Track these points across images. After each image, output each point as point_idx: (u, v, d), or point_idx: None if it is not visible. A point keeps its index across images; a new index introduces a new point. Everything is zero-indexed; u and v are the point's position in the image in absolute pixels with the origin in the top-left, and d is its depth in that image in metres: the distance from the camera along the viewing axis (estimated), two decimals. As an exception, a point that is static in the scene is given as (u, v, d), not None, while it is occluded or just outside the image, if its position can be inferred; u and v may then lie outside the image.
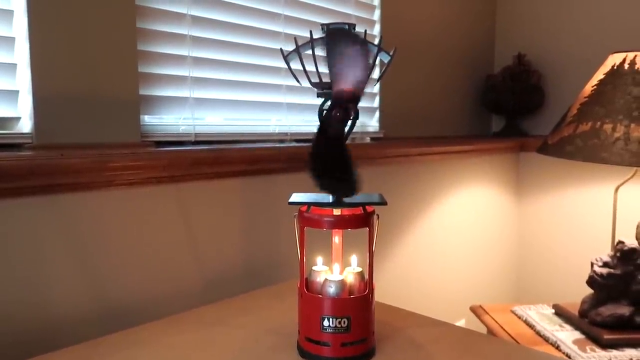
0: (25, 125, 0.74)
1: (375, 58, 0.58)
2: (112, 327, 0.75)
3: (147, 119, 0.88)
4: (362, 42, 0.55)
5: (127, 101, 0.83)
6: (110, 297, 0.76)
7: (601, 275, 1.03)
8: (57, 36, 0.74)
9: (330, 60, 0.54)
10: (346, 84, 0.54)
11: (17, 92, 0.74)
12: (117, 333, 0.68)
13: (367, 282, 0.61)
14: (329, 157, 0.56)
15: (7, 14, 0.72)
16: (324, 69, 0.58)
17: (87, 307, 0.74)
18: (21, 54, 0.73)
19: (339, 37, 0.55)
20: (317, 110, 0.57)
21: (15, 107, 0.74)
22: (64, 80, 0.76)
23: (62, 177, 0.68)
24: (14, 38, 0.73)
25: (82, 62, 0.77)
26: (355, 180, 0.56)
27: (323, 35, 0.58)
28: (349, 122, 0.56)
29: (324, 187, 0.57)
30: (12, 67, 0.73)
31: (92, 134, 0.79)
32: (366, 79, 0.54)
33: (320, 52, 0.58)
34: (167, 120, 0.92)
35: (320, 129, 0.56)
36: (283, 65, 1.08)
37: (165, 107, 0.90)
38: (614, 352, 0.97)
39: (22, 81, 0.74)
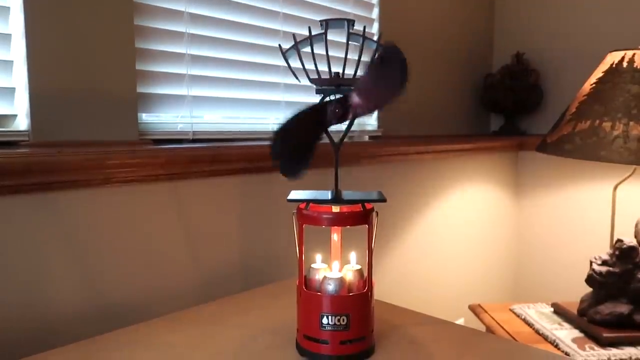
0: (22, 122, 0.74)
1: (375, 54, 0.57)
2: (109, 326, 0.75)
3: (145, 117, 0.88)
4: (406, 79, 0.53)
5: (124, 99, 0.82)
6: (107, 295, 0.76)
7: (600, 274, 1.03)
8: (54, 33, 0.74)
9: (370, 71, 0.53)
10: (363, 101, 0.53)
11: (13, 89, 0.73)
12: (114, 331, 0.67)
13: (366, 280, 0.60)
14: (302, 136, 0.54)
15: (4, 10, 0.72)
16: (322, 65, 0.58)
17: (85, 305, 0.74)
18: (18, 51, 0.73)
19: (392, 59, 0.53)
20: (316, 104, 0.57)
21: (11, 105, 0.73)
22: (61, 78, 0.75)
23: (59, 174, 0.67)
24: (11, 35, 0.73)
25: (79, 60, 0.77)
26: (303, 170, 0.54)
27: (322, 31, 0.57)
28: (346, 125, 0.56)
29: (276, 159, 0.55)
30: (8, 64, 0.73)
31: (89, 132, 0.78)
32: (382, 107, 0.54)
33: (319, 49, 0.58)
34: (164, 118, 0.91)
35: (312, 109, 0.55)
36: (281, 63, 1.08)
37: (163, 105, 0.90)
38: (613, 351, 0.97)
39: (19, 78, 0.73)
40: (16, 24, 0.72)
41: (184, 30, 0.92)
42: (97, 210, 0.74)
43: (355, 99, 0.54)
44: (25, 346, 0.68)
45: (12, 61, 0.73)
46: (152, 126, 0.89)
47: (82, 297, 0.73)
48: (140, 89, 0.85)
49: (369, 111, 0.55)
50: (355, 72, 0.57)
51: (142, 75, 0.86)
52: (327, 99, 0.57)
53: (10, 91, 0.73)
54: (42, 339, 0.69)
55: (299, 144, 0.54)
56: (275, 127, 0.54)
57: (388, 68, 0.53)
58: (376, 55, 0.54)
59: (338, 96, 0.56)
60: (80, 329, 0.73)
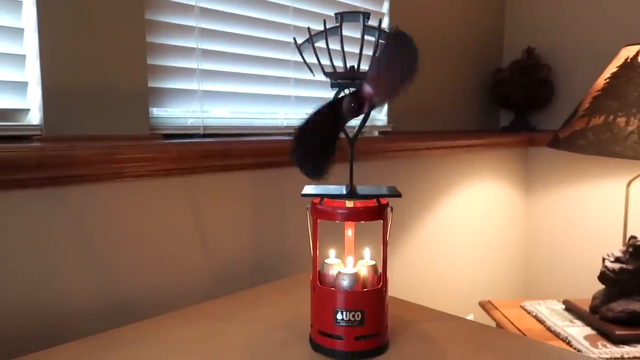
0: (35, 117, 0.74)
1: (379, 40, 0.56)
2: (120, 321, 0.75)
3: (156, 112, 0.88)
4: (418, 61, 0.53)
5: (136, 93, 0.82)
6: (118, 290, 0.76)
7: (613, 271, 1.02)
8: (66, 28, 0.74)
9: (379, 59, 0.53)
10: (377, 89, 0.53)
11: (26, 83, 0.73)
12: (125, 327, 0.67)
13: (380, 276, 0.60)
14: (321, 135, 0.54)
15: (16, 4, 0.72)
16: (338, 60, 0.57)
17: (95, 300, 0.74)
18: (30, 45, 0.73)
19: (400, 43, 0.53)
20: (331, 100, 0.56)
21: (24, 99, 0.73)
22: (73, 72, 0.75)
23: (71, 168, 0.67)
24: (23, 29, 0.72)
25: (91, 54, 0.77)
26: (326, 168, 0.54)
27: (336, 24, 0.57)
28: (361, 119, 0.56)
29: (298, 161, 0.54)
30: (21, 58, 0.72)
31: (100, 126, 0.78)
32: (395, 96, 0.53)
33: (334, 42, 0.57)
34: (175, 113, 0.91)
35: (328, 106, 0.54)
36: (291, 57, 1.07)
37: (174, 100, 0.90)
38: (626, 348, 0.96)
39: (31, 73, 0.73)
40: (29, 19, 0.72)
41: (194, 25, 0.91)
42: (108, 204, 0.74)
43: (368, 88, 0.53)
44: (36, 340, 0.68)
45: (25, 55, 0.73)
46: (163, 121, 0.89)
47: (92, 292, 0.73)
48: (152, 84, 0.85)
49: (384, 99, 0.54)
50: (371, 65, 0.56)
51: (153, 70, 0.86)
52: (342, 94, 0.56)
53: (22, 85, 0.73)
54: (52, 333, 0.70)
55: (318, 143, 0.54)
56: (292, 130, 0.54)
57: (397, 53, 0.53)
58: (384, 42, 0.54)
59: (351, 90, 0.56)
60: (90, 324, 0.73)
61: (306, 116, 0.54)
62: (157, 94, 0.87)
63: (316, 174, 0.53)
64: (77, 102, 0.76)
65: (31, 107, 0.74)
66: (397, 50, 0.53)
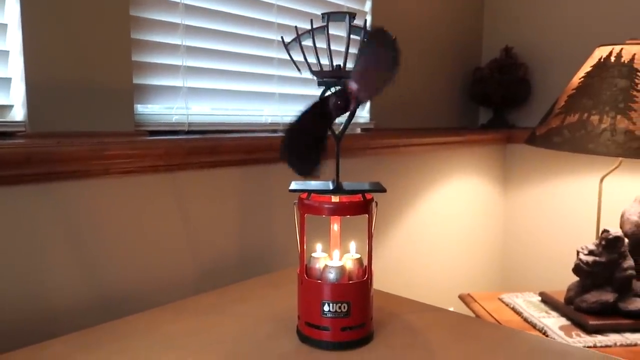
0: (18, 113, 0.73)
1: (363, 39, 0.58)
2: (108, 316, 0.75)
3: (140, 108, 0.88)
4: (398, 57, 0.54)
5: (120, 90, 0.82)
6: (106, 286, 0.76)
7: (587, 263, 1.06)
8: (50, 23, 0.73)
9: (362, 56, 0.54)
10: (362, 85, 0.54)
11: (9, 79, 0.73)
12: (113, 321, 0.68)
13: (365, 268, 0.62)
14: (310, 133, 0.56)
15: (-1, 0, 0.71)
16: (324, 59, 0.59)
17: (83, 295, 0.74)
18: (14, 41, 0.72)
19: (381, 39, 0.55)
20: (318, 99, 0.57)
21: (7, 95, 0.73)
22: (57, 68, 0.75)
23: (59, 165, 0.67)
24: (7, 25, 0.72)
25: (76, 50, 0.76)
26: (318, 165, 0.55)
27: (323, 24, 0.58)
28: (347, 116, 0.57)
29: (290, 160, 0.55)
30: (4, 54, 0.72)
31: (85, 123, 0.78)
32: (380, 91, 0.55)
33: (320, 41, 0.58)
34: (160, 110, 0.91)
35: (315, 105, 0.56)
36: (275, 55, 1.08)
37: (159, 96, 0.90)
38: (599, 338, 1.00)
39: (15, 68, 0.73)
40: (12, 14, 0.72)
41: (179, 22, 0.91)
42: (96, 201, 0.74)
43: (353, 85, 0.55)
44: (25, 335, 0.68)
45: (8, 51, 0.72)
46: (147, 117, 0.89)
47: (82, 287, 0.74)
48: (136, 80, 0.85)
49: (369, 95, 0.56)
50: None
51: (137, 67, 0.86)
52: (329, 92, 0.58)
53: (6, 82, 0.72)
54: (42, 328, 0.70)
55: (309, 143, 0.55)
56: (281, 128, 0.55)
57: (378, 49, 0.54)
58: (366, 39, 0.55)
59: (337, 88, 0.57)
60: (80, 319, 0.73)
61: (295, 115, 0.56)
62: (141, 91, 0.87)
63: (308, 172, 0.55)
64: (61, 98, 0.75)
65: (15, 103, 0.73)
66: (378, 48, 0.54)
